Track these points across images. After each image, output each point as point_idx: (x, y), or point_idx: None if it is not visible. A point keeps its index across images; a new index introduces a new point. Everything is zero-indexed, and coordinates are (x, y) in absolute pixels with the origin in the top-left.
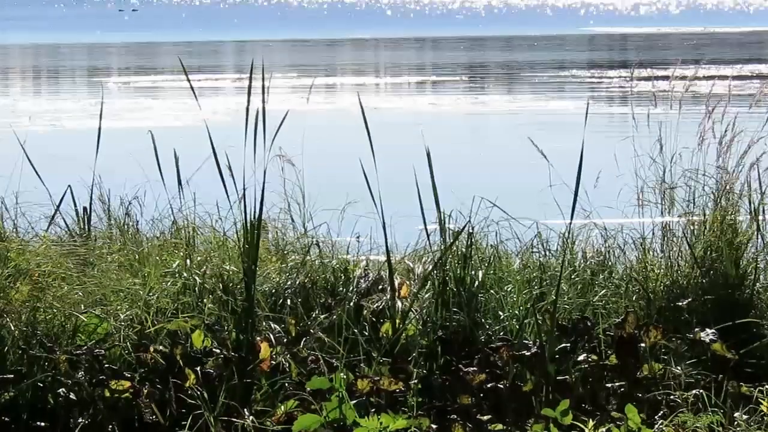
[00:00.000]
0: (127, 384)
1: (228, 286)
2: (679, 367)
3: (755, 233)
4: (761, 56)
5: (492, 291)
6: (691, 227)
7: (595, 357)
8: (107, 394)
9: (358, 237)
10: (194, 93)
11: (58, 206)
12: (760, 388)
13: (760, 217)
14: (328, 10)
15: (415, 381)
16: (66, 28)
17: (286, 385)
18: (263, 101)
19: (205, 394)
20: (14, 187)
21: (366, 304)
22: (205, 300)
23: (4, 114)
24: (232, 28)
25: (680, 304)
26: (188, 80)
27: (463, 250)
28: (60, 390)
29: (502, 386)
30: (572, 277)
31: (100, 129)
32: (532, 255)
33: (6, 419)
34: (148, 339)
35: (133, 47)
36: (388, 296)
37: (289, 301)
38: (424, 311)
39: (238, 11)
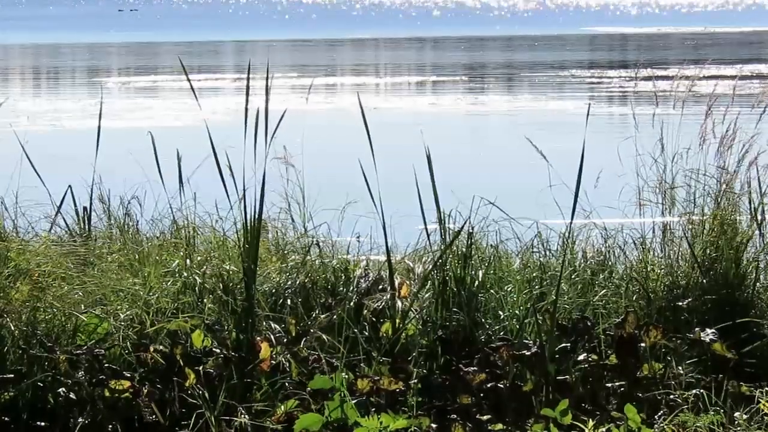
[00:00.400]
0: (127, 384)
1: (228, 285)
2: (679, 367)
3: (755, 233)
4: (761, 56)
5: (492, 291)
6: (691, 227)
7: (595, 357)
8: (107, 394)
9: (358, 237)
10: (194, 93)
11: (59, 206)
12: (761, 388)
13: (760, 217)
14: (329, 10)
15: (415, 381)
16: (66, 28)
17: (286, 384)
18: (267, 101)
19: (206, 394)
20: (14, 187)
21: (368, 302)
22: (205, 300)
23: (4, 114)
24: (231, 27)
25: (680, 304)
26: (188, 80)
27: (463, 249)
28: (60, 390)
29: (502, 386)
30: (572, 277)
31: (99, 129)
32: (532, 255)
33: (6, 419)
34: (148, 339)
35: (133, 47)
36: (388, 296)
37: (289, 301)
38: (424, 311)
39: (238, 11)
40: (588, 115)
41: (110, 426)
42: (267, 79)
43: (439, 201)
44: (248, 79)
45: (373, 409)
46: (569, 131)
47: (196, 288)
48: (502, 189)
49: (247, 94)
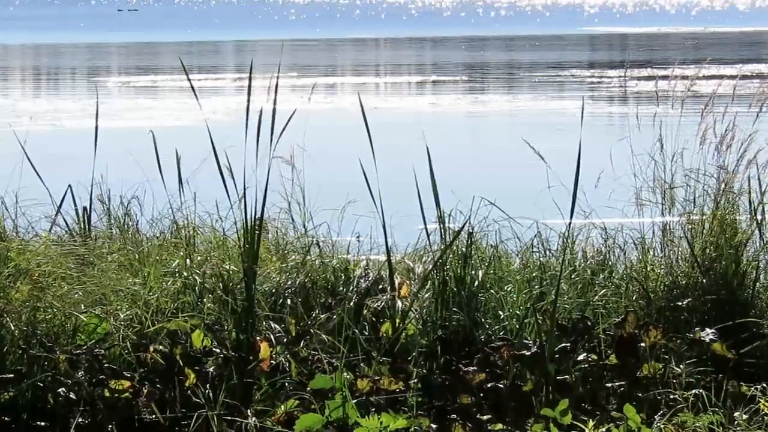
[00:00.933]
0: (127, 384)
1: (228, 285)
2: (679, 367)
3: (755, 233)
4: (761, 56)
5: (492, 291)
6: (691, 227)
7: (595, 357)
8: (107, 394)
9: (358, 237)
10: (195, 92)
11: (59, 206)
12: (761, 388)
13: (760, 216)
14: (329, 10)
15: (415, 381)
16: (66, 28)
17: (286, 384)
18: (275, 101)
19: (206, 394)
20: (14, 187)
21: (368, 302)
22: (205, 300)
23: (4, 114)
24: (223, 27)
25: (680, 303)
26: (189, 80)
27: (463, 249)
28: (60, 390)
29: (502, 386)
30: (572, 277)
31: (96, 128)
32: (532, 255)
33: (6, 419)
34: (147, 339)
35: (133, 47)
36: (388, 296)
37: (289, 301)
38: (424, 311)
39: (238, 11)
40: (583, 113)
41: (110, 426)
42: (277, 78)
43: (439, 201)
44: (250, 79)
45: (373, 409)
46: (569, 131)
47: (196, 288)
48: (502, 189)
49: (249, 93)
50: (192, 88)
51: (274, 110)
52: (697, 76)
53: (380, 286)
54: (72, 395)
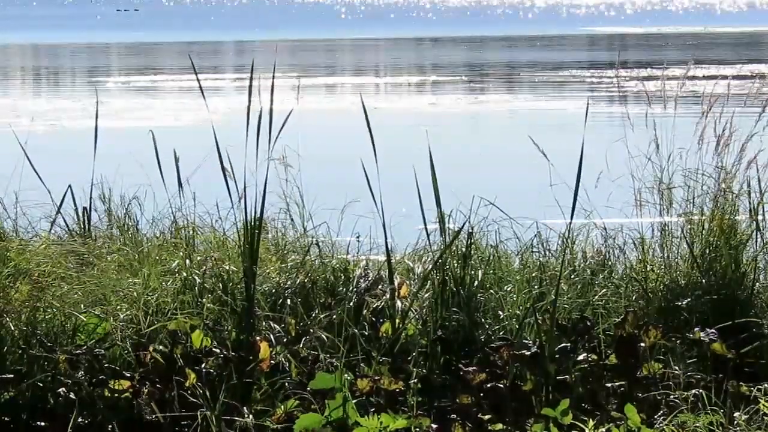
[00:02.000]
0: (127, 384)
1: (228, 285)
2: (678, 367)
3: (754, 232)
4: (761, 56)
5: (492, 291)
6: (690, 227)
7: (595, 357)
8: (107, 393)
9: (358, 237)
10: (203, 93)
11: (60, 206)
12: (760, 387)
13: (759, 216)
14: (329, 9)
15: (415, 380)
16: (66, 28)
17: (286, 385)
18: (272, 101)
19: (206, 394)
20: (14, 186)
21: (369, 299)
22: (204, 300)
23: (5, 114)
24: (223, 27)
25: (680, 304)
26: (198, 80)
27: (463, 249)
28: (60, 390)
29: (502, 386)
30: (572, 277)
31: (96, 128)
32: (532, 255)
33: (6, 419)
34: (147, 339)
35: (133, 47)
36: (388, 296)
37: (289, 301)
38: (424, 311)
39: (237, 11)
40: (587, 113)
41: (110, 426)
42: (273, 78)
43: (440, 201)
44: (251, 79)
45: (373, 409)
46: (569, 131)
47: (196, 288)
48: (502, 189)
49: (250, 94)
50: (200, 88)
51: (271, 111)
52: (693, 76)
53: (380, 286)
54: (72, 395)
